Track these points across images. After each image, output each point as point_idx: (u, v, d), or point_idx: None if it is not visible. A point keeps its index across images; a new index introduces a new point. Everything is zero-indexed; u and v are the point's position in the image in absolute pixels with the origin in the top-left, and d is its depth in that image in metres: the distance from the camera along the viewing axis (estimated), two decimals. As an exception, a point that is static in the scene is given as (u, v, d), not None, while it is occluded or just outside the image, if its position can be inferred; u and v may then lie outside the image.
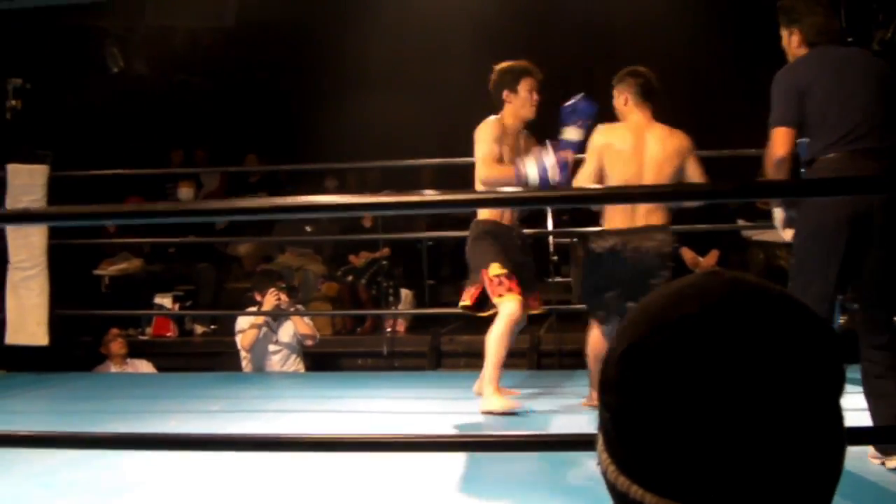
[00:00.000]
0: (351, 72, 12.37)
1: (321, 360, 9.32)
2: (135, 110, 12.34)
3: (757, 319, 0.91)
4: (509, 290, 5.88)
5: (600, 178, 5.76)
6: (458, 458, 4.52)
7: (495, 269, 5.90)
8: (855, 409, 4.74)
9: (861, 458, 4.35)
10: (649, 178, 5.66)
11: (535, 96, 6.12)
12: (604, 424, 0.98)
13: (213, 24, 12.21)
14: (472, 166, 6.05)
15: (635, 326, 0.96)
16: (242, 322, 8.46)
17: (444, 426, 5.30)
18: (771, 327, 0.91)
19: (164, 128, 12.65)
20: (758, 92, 4.82)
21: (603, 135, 5.78)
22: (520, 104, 6.14)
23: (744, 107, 4.58)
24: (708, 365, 0.88)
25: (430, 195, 4.73)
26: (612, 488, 0.96)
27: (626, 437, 0.93)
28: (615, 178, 5.71)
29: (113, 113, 11.98)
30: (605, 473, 0.97)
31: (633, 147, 5.73)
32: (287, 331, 8.45)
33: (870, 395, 4.32)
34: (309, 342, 8.55)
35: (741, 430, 0.87)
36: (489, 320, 5.94)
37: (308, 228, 10.99)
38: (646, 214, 5.69)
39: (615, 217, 5.75)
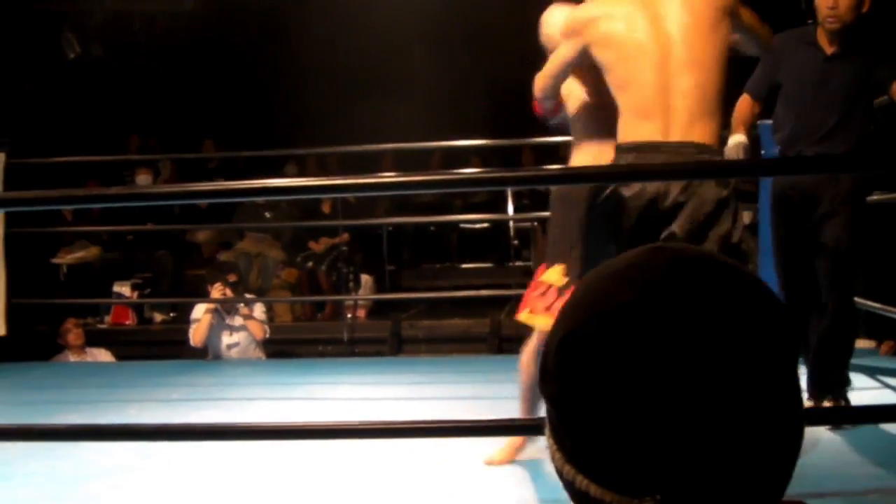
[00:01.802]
0: (311, 56, 12.32)
1: (281, 348, 9.29)
2: (93, 96, 12.24)
3: (701, 298, 0.89)
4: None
5: (585, 73, 3.93)
6: (420, 444, 4.52)
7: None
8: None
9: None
10: (677, 65, 3.53)
11: None
12: (548, 413, 0.96)
13: (171, 7, 12.13)
14: (433, 151, 5.75)
15: (573, 313, 0.94)
16: (195, 313, 8.40)
17: (406, 412, 5.29)
18: (716, 304, 0.88)
19: (122, 113, 12.57)
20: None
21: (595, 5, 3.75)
22: None
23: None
24: (650, 352, 0.86)
25: (388, 177, 4.70)
26: (561, 476, 0.95)
27: (568, 427, 0.92)
28: (619, 76, 3.63)
29: (71, 99, 11.89)
30: (553, 461, 0.96)
31: (644, 17, 3.58)
32: (241, 320, 8.38)
33: None
34: (259, 337, 8.46)
35: (688, 417, 0.84)
36: (452, 307, 5.75)
37: (267, 215, 10.95)
38: (687, 123, 3.54)
39: (630, 124, 3.62)
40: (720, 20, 3.56)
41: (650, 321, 0.87)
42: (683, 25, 3.53)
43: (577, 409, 0.90)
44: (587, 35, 3.62)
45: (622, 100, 3.61)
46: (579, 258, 4.04)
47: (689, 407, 0.84)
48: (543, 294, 4.17)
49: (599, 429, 0.88)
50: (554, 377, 0.93)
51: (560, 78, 3.84)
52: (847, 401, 4.87)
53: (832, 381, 4.84)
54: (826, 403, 4.80)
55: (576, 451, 0.91)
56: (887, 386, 5.66)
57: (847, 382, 4.91)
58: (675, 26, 3.53)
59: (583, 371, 0.89)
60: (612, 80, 3.63)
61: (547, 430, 0.97)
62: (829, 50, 4.79)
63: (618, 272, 0.94)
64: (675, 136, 3.51)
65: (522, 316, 4.27)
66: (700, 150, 3.50)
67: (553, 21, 4.09)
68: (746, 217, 5.00)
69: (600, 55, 3.62)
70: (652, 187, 3.46)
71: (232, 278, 8.52)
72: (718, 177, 3.58)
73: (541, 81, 3.86)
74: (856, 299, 5.32)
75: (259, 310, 8.52)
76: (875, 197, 6.60)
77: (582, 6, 3.72)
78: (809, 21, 4.92)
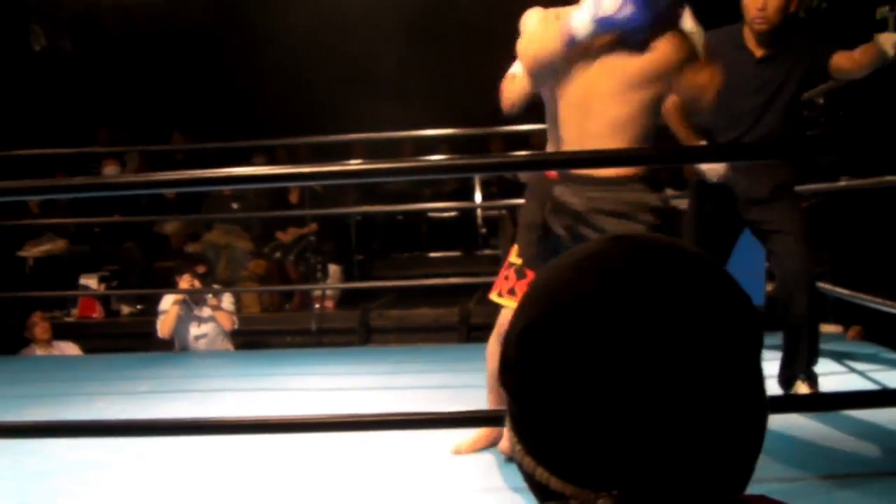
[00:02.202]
0: (281, 49, 12.28)
1: (249, 339, 9.27)
2: (60, 88, 12.18)
3: (663, 287, 0.88)
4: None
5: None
6: (387, 433, 4.52)
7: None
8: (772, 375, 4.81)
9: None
10: (595, 122, 3.63)
11: None
12: (509, 404, 0.96)
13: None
14: (403, 142, 5.76)
15: (533, 305, 0.93)
16: (162, 305, 8.38)
17: (375, 402, 5.28)
18: (678, 294, 0.87)
19: (90, 106, 12.50)
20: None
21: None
22: None
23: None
24: (611, 343, 0.85)
25: (356, 165, 4.66)
26: (521, 468, 0.94)
27: (529, 419, 0.91)
28: (559, 114, 3.76)
29: (38, 91, 11.82)
30: (513, 453, 0.95)
31: (587, 70, 3.65)
32: (209, 312, 8.35)
33: None
34: (228, 328, 8.44)
35: (649, 410, 0.84)
36: (420, 296, 5.78)
37: (235, 206, 10.91)
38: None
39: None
40: (650, 82, 3.61)
41: (611, 312, 0.86)
42: (608, 84, 3.61)
43: (538, 401, 0.89)
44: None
45: (561, 133, 3.78)
46: (529, 241, 4.09)
47: (650, 399, 0.84)
48: (507, 277, 4.22)
49: (560, 421, 0.87)
50: (514, 369, 0.92)
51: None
52: (815, 378, 4.92)
53: (804, 363, 4.89)
54: (800, 384, 4.85)
55: (536, 444, 0.91)
56: (853, 371, 5.69)
57: (815, 362, 4.96)
58: (603, 83, 3.62)
59: (543, 363, 0.88)
60: (557, 114, 3.78)
61: (507, 422, 0.96)
62: (758, 53, 4.83)
63: (579, 262, 0.94)
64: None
65: (493, 296, 4.31)
66: (627, 180, 3.63)
67: (529, 25, 4.09)
68: (684, 203, 5.13)
69: (550, 91, 3.79)
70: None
71: (201, 269, 8.49)
72: (681, 163, 3.64)
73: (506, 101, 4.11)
74: (823, 285, 5.36)
75: (227, 301, 8.50)
76: (842, 183, 6.64)
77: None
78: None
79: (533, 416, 0.90)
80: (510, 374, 0.93)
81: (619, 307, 0.86)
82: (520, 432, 0.93)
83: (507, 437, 4.21)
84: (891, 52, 4.57)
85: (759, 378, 0.91)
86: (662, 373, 0.84)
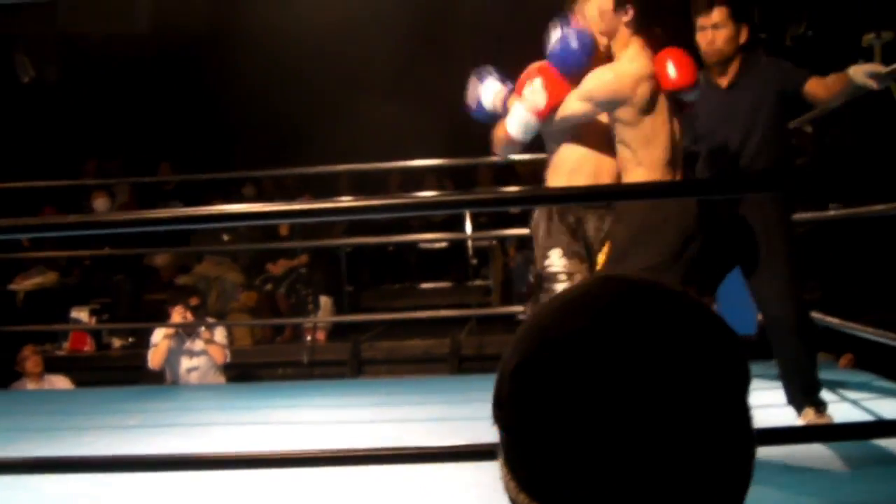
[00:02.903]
0: (268, 78, 12.31)
1: (241, 371, 9.24)
2: (48, 120, 12.17)
3: (650, 325, 0.89)
4: None
5: None
6: (383, 470, 4.50)
7: None
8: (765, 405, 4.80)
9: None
10: None
11: None
12: (502, 441, 0.96)
13: (126, 29, 12.08)
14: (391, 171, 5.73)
15: (526, 342, 0.94)
16: (154, 337, 8.36)
17: (367, 435, 5.26)
18: (666, 332, 0.89)
19: (77, 137, 12.49)
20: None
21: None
22: None
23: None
24: (601, 378, 0.86)
25: (346, 202, 4.67)
26: None
27: (522, 454, 0.92)
28: None
29: (25, 123, 11.81)
30: (507, 490, 0.96)
31: None
32: (201, 344, 8.33)
33: None
34: (220, 361, 8.41)
35: (643, 444, 0.85)
36: (411, 327, 5.74)
37: (225, 237, 10.90)
38: None
39: None
40: None
41: (602, 348, 0.88)
42: None
43: (532, 437, 0.90)
44: None
45: None
46: None
47: (639, 435, 0.85)
48: None
49: (554, 457, 0.88)
50: (508, 404, 0.93)
51: None
52: (824, 405, 4.96)
53: (807, 388, 4.96)
54: (808, 411, 4.89)
55: (530, 480, 0.91)
56: (846, 399, 5.68)
57: (816, 391, 4.98)
58: None
59: (537, 399, 0.89)
60: None
61: (500, 459, 0.97)
62: (723, 83, 4.94)
63: (571, 301, 0.95)
64: None
65: None
66: None
67: None
68: None
69: None
70: None
71: (194, 302, 8.47)
72: (673, 196, 3.68)
73: None
74: (814, 314, 5.38)
75: (220, 334, 8.48)
76: (831, 212, 6.67)
77: None
78: (763, 36, 5.03)
79: (527, 451, 0.90)
80: (504, 410, 0.94)
81: (609, 343, 0.88)
82: (513, 469, 0.93)
83: None
84: (860, 81, 4.61)
85: (745, 414, 0.92)
86: (651, 409, 0.85)
